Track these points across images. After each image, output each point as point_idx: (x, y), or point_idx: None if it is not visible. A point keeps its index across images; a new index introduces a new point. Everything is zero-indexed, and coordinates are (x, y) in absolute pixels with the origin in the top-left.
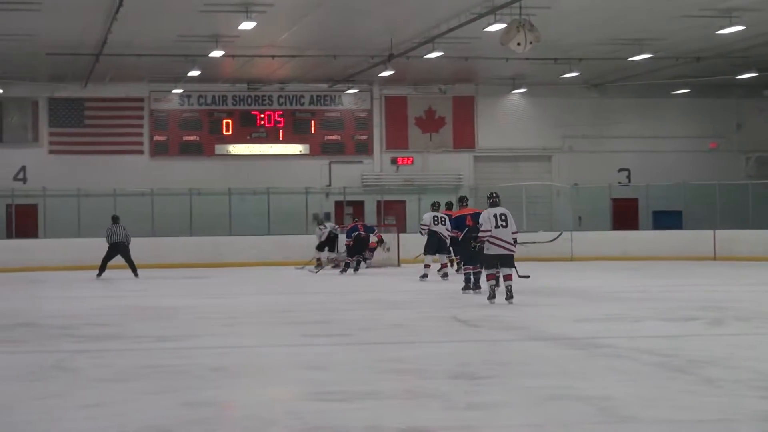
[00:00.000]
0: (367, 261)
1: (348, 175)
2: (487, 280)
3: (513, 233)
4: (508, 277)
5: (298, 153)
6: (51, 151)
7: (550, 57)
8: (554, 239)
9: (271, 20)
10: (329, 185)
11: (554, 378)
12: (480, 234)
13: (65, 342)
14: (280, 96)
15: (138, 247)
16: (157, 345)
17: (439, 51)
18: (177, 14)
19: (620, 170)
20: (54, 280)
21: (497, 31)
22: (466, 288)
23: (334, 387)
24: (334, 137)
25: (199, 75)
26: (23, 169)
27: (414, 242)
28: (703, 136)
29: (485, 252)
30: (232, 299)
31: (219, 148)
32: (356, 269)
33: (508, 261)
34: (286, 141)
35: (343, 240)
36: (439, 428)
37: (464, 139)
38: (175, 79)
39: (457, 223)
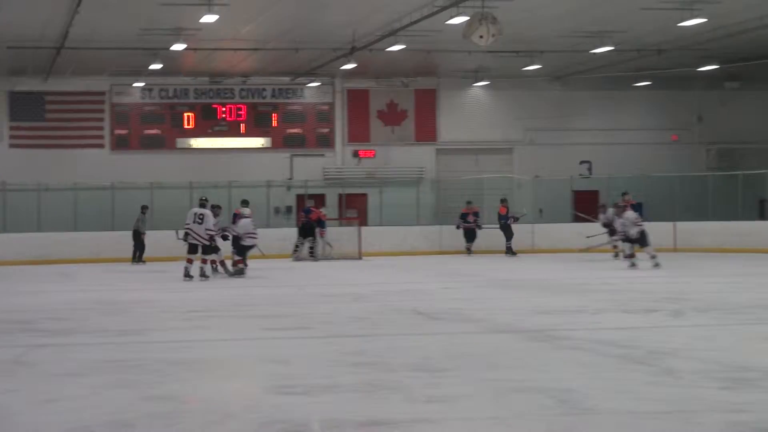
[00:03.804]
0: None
1: (310, 169)
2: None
3: (206, 230)
4: (202, 261)
5: (260, 146)
6: (11, 146)
7: (512, 50)
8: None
9: (233, 13)
10: (291, 178)
11: (515, 370)
12: (185, 227)
13: (24, 337)
14: (241, 89)
15: (99, 241)
16: (117, 339)
17: (402, 44)
18: (139, 7)
19: (581, 162)
20: (14, 274)
21: (460, 23)
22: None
23: (294, 380)
24: (295, 130)
25: (161, 68)
26: None
27: (375, 234)
28: (664, 128)
29: (187, 241)
30: (192, 293)
31: (180, 142)
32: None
33: (204, 249)
34: (247, 134)
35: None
36: (400, 421)
37: (426, 132)
38: (137, 73)
39: None
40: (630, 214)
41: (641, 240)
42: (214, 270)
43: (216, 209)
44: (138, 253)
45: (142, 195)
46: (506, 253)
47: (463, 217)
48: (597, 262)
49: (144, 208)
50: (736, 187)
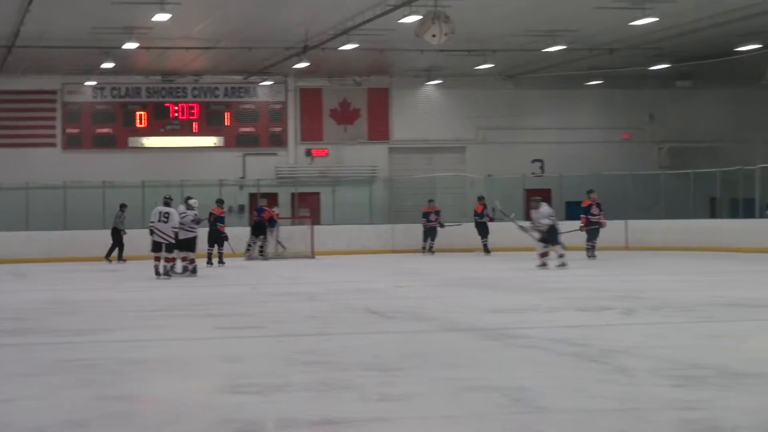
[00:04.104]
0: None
1: (262, 168)
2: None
3: (172, 228)
4: (168, 259)
5: (213, 145)
6: None
7: (465, 48)
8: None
9: (186, 11)
10: (243, 177)
11: (469, 369)
12: (149, 225)
13: None
14: (194, 88)
15: (52, 240)
16: (72, 339)
17: (354, 43)
18: (91, 6)
19: (534, 161)
20: None
21: (412, 22)
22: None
23: (249, 379)
24: (248, 129)
25: (113, 67)
26: None
27: (328, 233)
28: (616, 127)
29: (153, 239)
30: (146, 292)
31: (133, 141)
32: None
33: (167, 248)
34: (200, 133)
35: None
36: (353, 420)
37: (379, 131)
38: (89, 72)
39: None
40: (545, 209)
41: (550, 237)
42: (170, 269)
43: (189, 201)
44: (118, 251)
45: (94, 194)
46: (484, 251)
47: (425, 215)
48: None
49: (123, 206)
50: (688, 185)
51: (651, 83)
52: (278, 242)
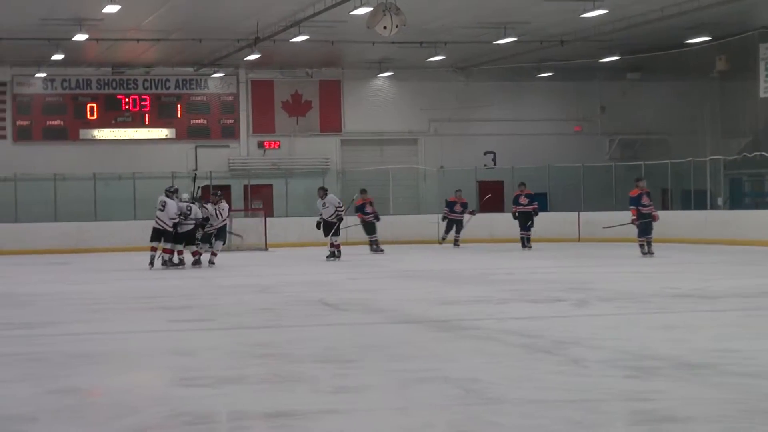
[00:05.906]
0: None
1: (215, 160)
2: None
3: (170, 218)
4: (165, 250)
5: (164, 137)
6: None
7: (416, 40)
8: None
9: (136, 3)
10: (195, 169)
11: (421, 360)
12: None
13: None
14: (145, 80)
15: (2, 233)
16: (19, 332)
17: (305, 34)
18: None
19: (486, 153)
20: None
21: (363, 14)
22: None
23: (201, 372)
24: (200, 121)
25: (63, 59)
26: None
27: (280, 225)
28: (567, 119)
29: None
30: (96, 285)
31: (84, 133)
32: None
33: (165, 237)
34: (151, 125)
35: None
36: (307, 412)
37: (331, 123)
38: (39, 63)
39: None
40: (330, 198)
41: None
42: (168, 260)
43: (174, 194)
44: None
45: (45, 186)
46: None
47: (450, 206)
48: (500, 252)
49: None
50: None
51: (601, 75)
52: (230, 232)
